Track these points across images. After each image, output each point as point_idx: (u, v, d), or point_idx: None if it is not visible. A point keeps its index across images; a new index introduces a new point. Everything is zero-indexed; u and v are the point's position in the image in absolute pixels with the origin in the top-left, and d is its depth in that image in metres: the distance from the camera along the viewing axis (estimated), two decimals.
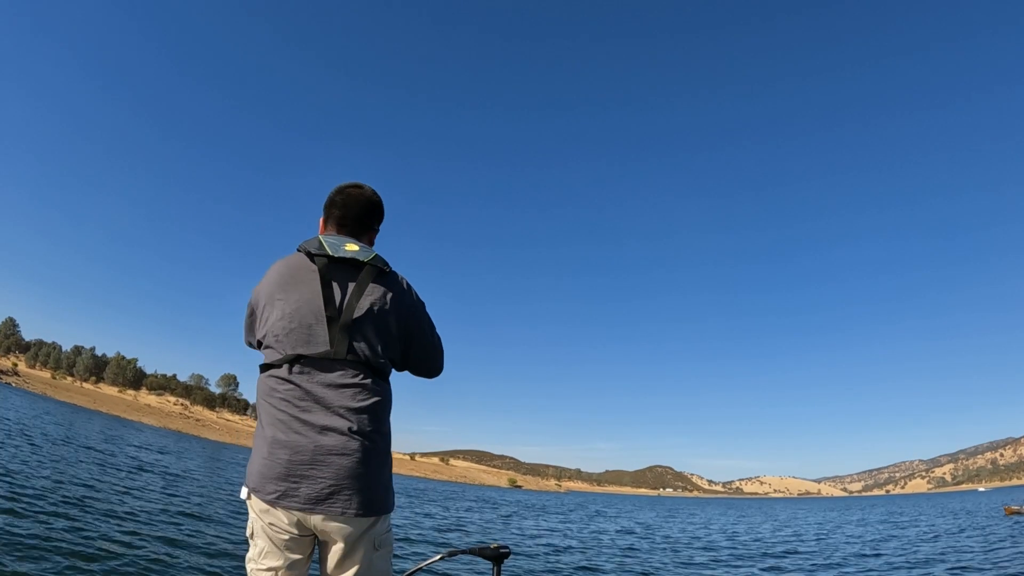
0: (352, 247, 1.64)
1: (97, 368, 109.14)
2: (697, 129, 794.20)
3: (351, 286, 1.61)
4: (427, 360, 1.78)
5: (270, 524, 1.53)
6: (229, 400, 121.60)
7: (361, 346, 1.58)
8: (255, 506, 1.55)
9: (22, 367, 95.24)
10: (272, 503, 1.50)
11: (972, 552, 13.33)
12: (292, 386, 1.54)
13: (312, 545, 1.61)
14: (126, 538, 6.95)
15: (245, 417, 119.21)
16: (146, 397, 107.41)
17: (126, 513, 8.62)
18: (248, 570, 1.61)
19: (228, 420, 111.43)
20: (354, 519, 1.51)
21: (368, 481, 1.51)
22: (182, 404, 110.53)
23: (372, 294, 1.61)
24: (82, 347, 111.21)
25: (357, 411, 1.53)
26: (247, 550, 1.64)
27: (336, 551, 1.55)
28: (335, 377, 1.55)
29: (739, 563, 12.31)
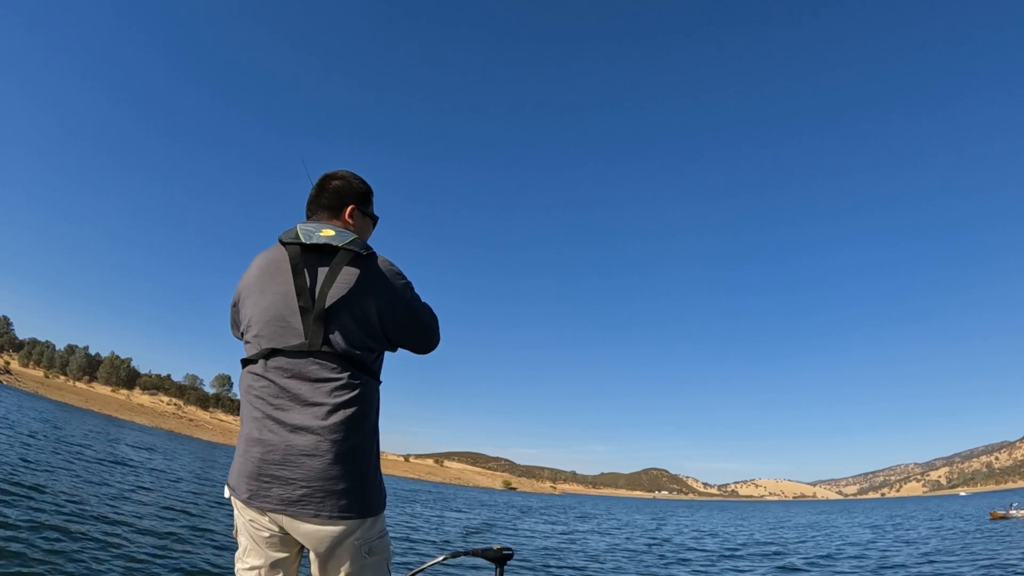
0: (328, 232, 1.53)
1: (90, 367, 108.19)
2: (697, 131, 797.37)
3: (325, 272, 1.50)
4: (419, 339, 1.65)
5: (250, 521, 1.49)
6: (223, 400, 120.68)
7: (337, 337, 1.46)
8: (236, 503, 1.51)
9: (15, 366, 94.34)
10: (245, 502, 1.45)
11: (956, 557, 13.36)
12: (267, 382, 1.47)
13: (299, 544, 1.52)
14: (118, 537, 6.89)
15: (239, 417, 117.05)
16: (139, 397, 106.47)
17: (111, 510, 8.55)
18: (236, 569, 1.57)
19: (221, 420, 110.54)
20: (329, 522, 1.41)
21: (345, 482, 1.41)
22: (175, 404, 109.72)
23: (347, 279, 1.48)
24: (76, 346, 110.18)
25: (333, 408, 1.42)
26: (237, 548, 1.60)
27: (317, 557, 1.47)
28: (311, 372, 1.45)
29: (730, 562, 12.36)
